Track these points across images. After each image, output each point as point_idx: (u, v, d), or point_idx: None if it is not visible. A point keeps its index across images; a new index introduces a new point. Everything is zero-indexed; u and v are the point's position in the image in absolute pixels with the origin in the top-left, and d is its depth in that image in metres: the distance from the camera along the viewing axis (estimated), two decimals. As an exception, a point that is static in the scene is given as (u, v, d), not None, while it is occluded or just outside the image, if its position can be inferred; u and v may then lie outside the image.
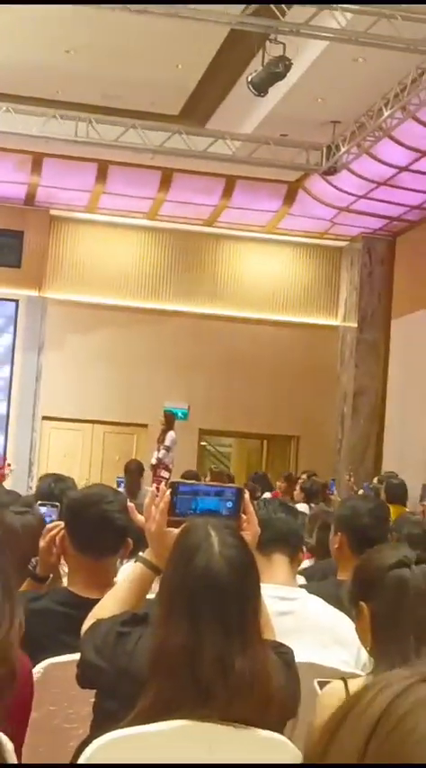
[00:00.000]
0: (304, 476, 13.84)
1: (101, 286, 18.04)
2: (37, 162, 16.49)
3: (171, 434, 15.21)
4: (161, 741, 2.19)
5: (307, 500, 11.47)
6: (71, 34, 12.34)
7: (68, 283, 17.98)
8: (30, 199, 17.57)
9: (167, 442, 15.11)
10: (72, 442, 17.88)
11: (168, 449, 15.07)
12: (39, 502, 4.24)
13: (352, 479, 14.89)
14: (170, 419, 15.47)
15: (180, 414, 17.22)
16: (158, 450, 15.12)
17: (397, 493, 10.26)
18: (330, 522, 4.74)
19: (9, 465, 15.70)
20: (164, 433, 15.26)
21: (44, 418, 17.84)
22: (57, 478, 5.19)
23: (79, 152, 15.54)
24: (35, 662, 2.93)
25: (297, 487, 12.70)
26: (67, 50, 12.85)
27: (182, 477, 11.38)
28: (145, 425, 17.56)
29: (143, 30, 11.87)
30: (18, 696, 2.48)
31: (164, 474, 14.29)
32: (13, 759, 2.15)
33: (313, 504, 11.24)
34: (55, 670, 2.97)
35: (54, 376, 17.74)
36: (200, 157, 15.16)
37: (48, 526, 3.56)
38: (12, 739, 2.12)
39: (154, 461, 14.92)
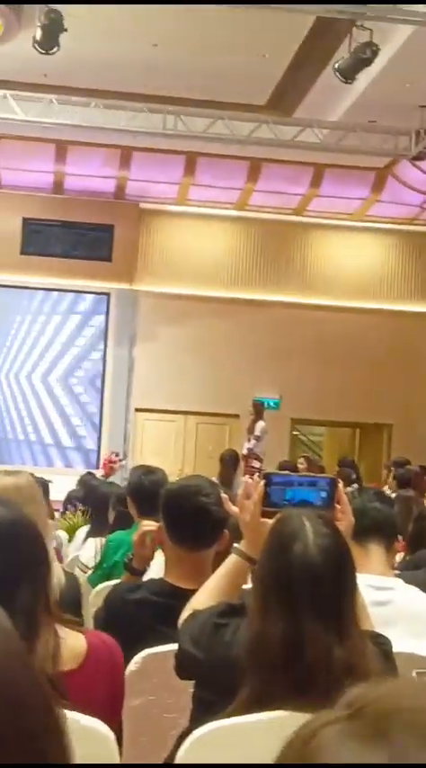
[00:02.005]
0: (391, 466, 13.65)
1: (191, 277, 18.08)
2: (126, 156, 16.61)
3: (260, 424, 15.18)
4: (260, 732, 2.19)
5: (401, 488, 11.35)
6: (157, 27, 12.38)
7: (158, 275, 18.06)
8: (120, 193, 17.70)
9: (257, 432, 15.09)
10: (165, 433, 17.98)
11: (258, 438, 15.04)
12: None
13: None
14: (259, 409, 15.44)
15: (271, 403, 17.20)
16: (248, 441, 15.11)
17: None
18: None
19: (120, 459, 15.75)
20: (254, 422, 15.25)
21: (137, 410, 17.98)
22: (147, 470, 5.21)
23: (167, 145, 15.61)
24: (132, 650, 2.96)
25: (390, 476, 12.56)
26: (154, 44, 12.89)
27: (278, 468, 11.36)
28: (236, 416, 17.58)
29: (229, 20, 11.87)
30: (109, 685, 2.53)
31: (255, 464, 14.27)
32: (115, 748, 2.18)
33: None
34: (153, 660, 3.00)
35: (146, 368, 17.85)
36: (288, 146, 15.08)
37: (144, 523, 3.62)
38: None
39: (244, 452, 14.90)
